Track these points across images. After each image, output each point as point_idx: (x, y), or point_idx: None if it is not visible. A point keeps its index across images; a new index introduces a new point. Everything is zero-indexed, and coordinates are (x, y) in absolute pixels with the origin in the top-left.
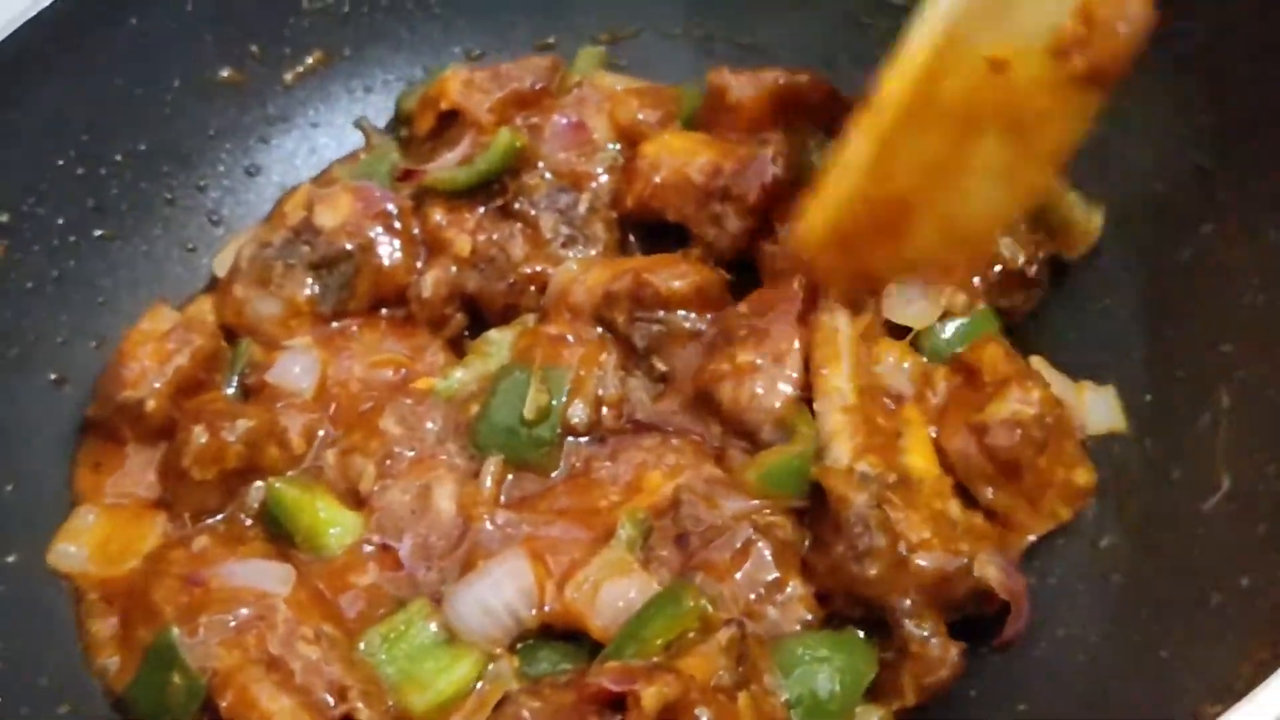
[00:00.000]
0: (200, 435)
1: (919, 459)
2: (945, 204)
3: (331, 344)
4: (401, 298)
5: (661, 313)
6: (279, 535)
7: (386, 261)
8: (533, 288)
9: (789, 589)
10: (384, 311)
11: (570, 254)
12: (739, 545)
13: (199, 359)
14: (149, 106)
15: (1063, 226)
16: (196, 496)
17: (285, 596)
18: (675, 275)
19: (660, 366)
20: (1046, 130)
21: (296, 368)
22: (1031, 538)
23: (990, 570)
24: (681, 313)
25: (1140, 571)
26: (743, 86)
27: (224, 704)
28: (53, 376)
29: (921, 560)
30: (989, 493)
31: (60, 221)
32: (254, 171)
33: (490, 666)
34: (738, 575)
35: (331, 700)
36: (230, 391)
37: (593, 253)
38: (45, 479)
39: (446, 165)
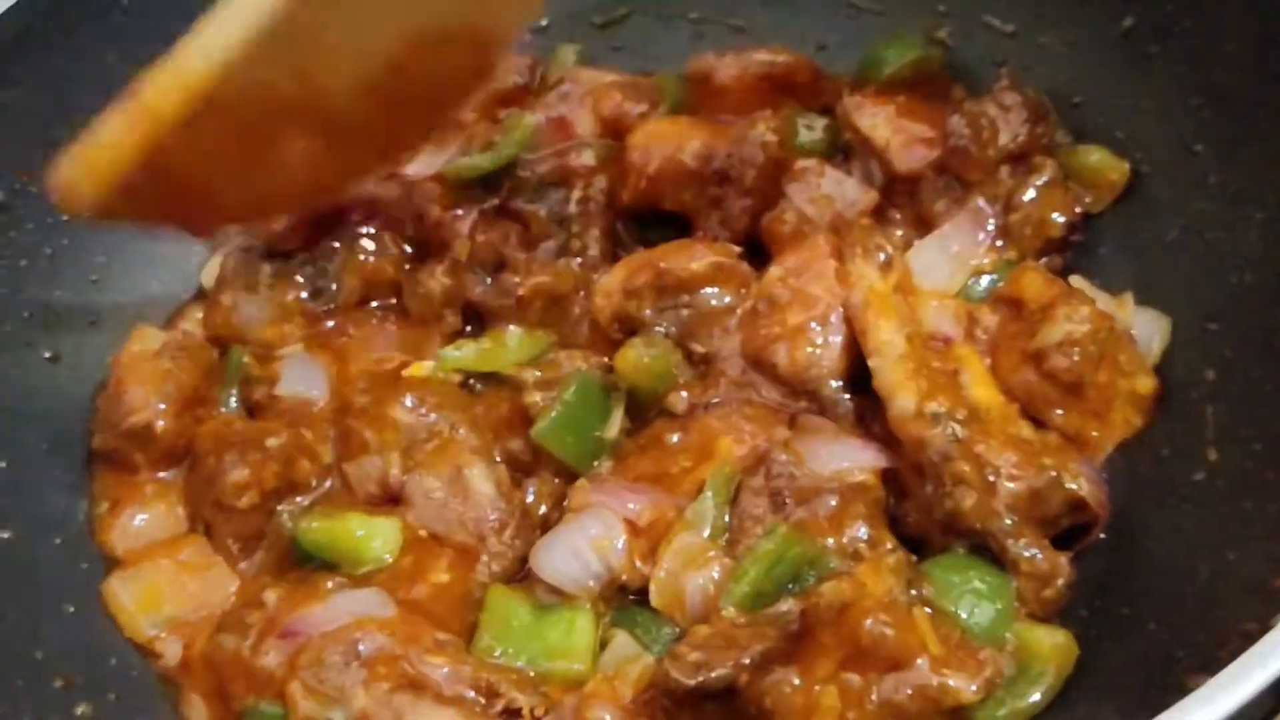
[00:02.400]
0: (234, 465)
1: (982, 391)
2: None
3: (329, 347)
4: (391, 291)
5: (686, 296)
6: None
7: (374, 258)
8: (539, 303)
9: (887, 546)
10: (374, 304)
11: (572, 261)
12: (834, 504)
13: (199, 372)
14: None
15: (1093, 179)
16: (239, 524)
17: (389, 617)
18: (692, 257)
19: (699, 349)
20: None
21: (304, 376)
22: (1109, 448)
23: (1082, 481)
24: (706, 291)
25: (1128, 543)
26: (727, 68)
27: None
28: (47, 354)
29: (1011, 482)
30: (1058, 415)
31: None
32: None
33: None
34: (843, 536)
35: (484, 700)
36: (233, 407)
37: (592, 252)
38: (38, 456)
39: (440, 163)
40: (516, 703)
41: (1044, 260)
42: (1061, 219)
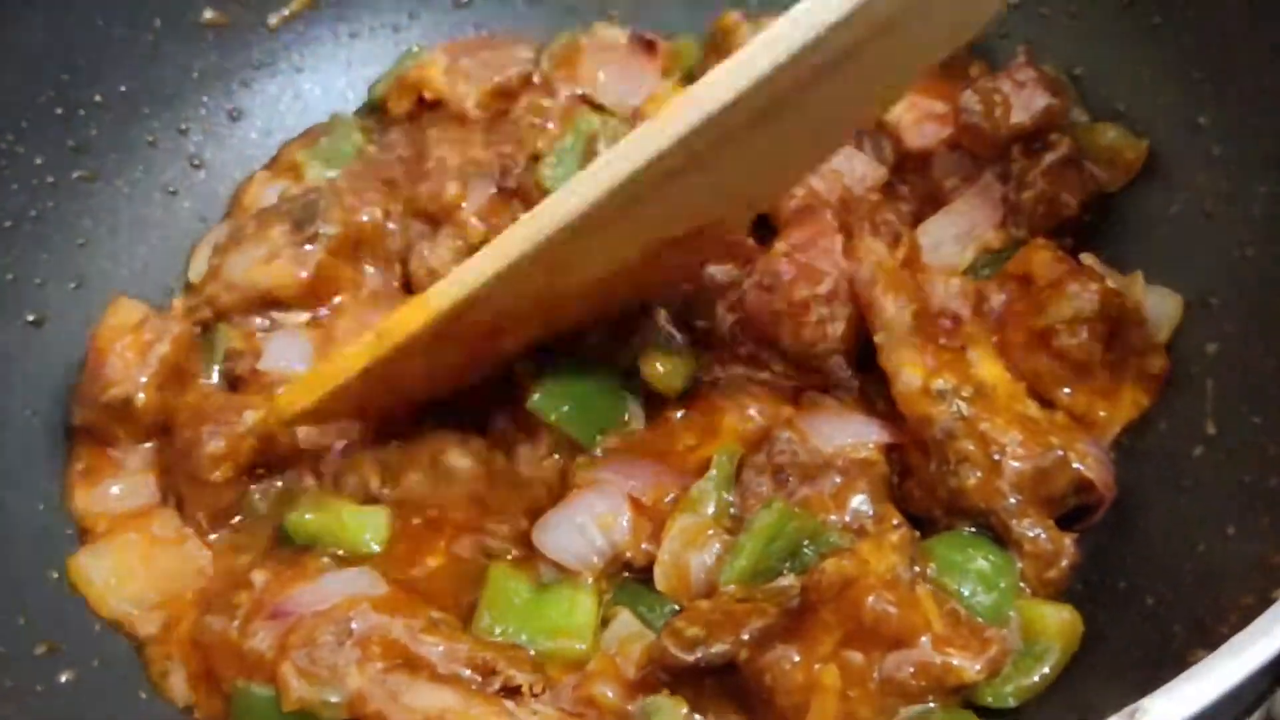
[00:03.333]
0: (211, 436)
1: (989, 369)
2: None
3: (318, 326)
4: (392, 260)
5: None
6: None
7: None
8: None
9: (892, 522)
10: (368, 270)
11: None
12: (839, 481)
13: (180, 345)
14: (130, 47)
15: (1109, 158)
16: (211, 498)
17: (382, 595)
18: None
19: (701, 323)
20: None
21: (288, 351)
22: (1117, 429)
23: (1089, 461)
24: (710, 268)
25: (1127, 519)
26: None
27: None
28: (31, 318)
29: (1016, 461)
30: (1065, 395)
31: (39, 161)
32: (237, 116)
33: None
34: (845, 512)
35: (480, 678)
36: (214, 381)
37: None
38: (20, 420)
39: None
40: (514, 680)
41: (1055, 241)
42: (1074, 198)
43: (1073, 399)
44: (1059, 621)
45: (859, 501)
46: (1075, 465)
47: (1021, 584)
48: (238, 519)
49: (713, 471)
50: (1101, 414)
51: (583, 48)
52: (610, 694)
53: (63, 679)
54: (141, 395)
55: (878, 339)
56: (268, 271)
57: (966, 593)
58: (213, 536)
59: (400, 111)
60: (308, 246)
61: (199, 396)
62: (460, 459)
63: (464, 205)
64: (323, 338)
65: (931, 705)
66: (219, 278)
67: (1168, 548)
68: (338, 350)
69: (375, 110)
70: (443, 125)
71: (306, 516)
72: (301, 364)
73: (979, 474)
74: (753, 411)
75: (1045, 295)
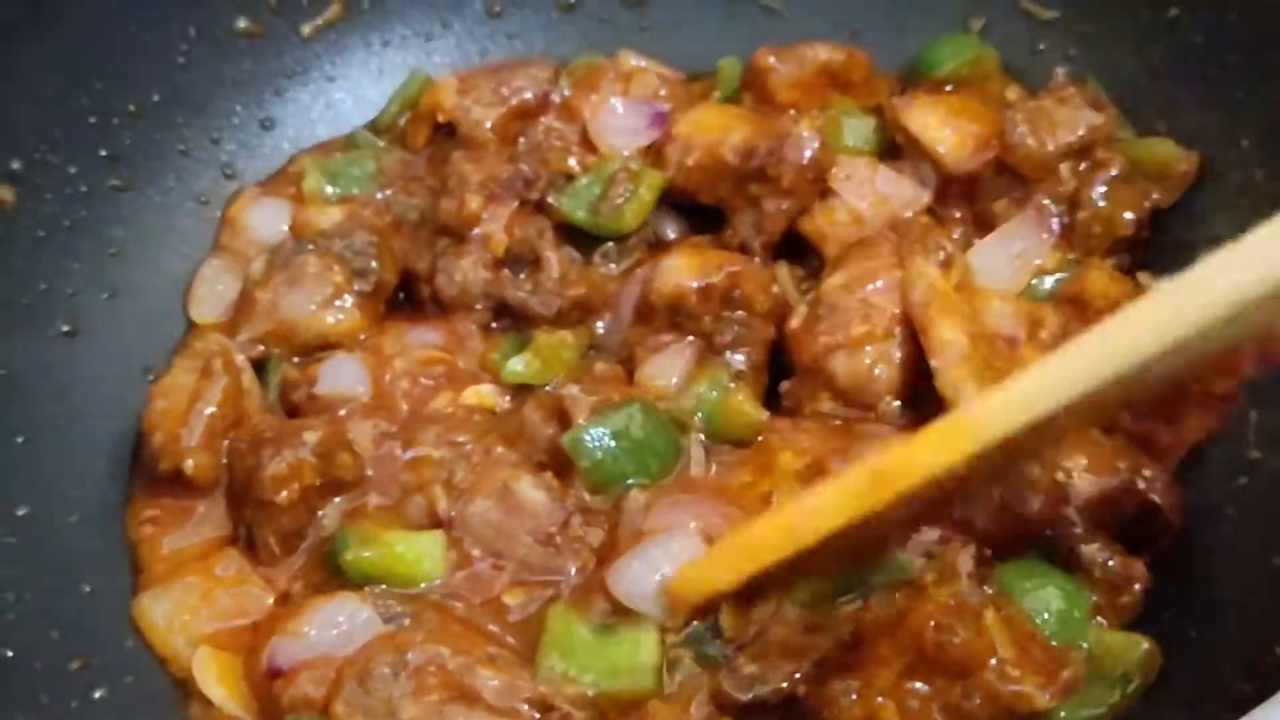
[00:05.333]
0: (273, 458)
1: None
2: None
3: (366, 345)
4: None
5: (742, 313)
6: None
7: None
8: (575, 312)
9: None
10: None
11: (610, 266)
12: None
13: (229, 400)
14: (163, 56)
15: (1161, 173)
16: (280, 522)
17: (435, 628)
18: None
19: (738, 361)
20: None
21: (345, 373)
22: (1181, 453)
23: (1157, 485)
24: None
25: (1174, 549)
26: (787, 66)
27: None
28: (65, 328)
29: (1083, 485)
30: (1126, 418)
31: (72, 170)
32: (269, 125)
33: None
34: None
35: (538, 714)
36: (268, 408)
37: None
38: (55, 432)
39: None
40: (572, 718)
41: (1112, 260)
42: (1131, 216)
43: (1134, 423)
44: (1137, 653)
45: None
46: (1142, 489)
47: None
48: (306, 544)
49: None
50: (1161, 438)
51: (602, 72)
52: None
53: (96, 695)
54: (190, 462)
55: (934, 363)
56: (334, 320)
57: (1038, 620)
58: (285, 564)
59: (419, 144)
60: (359, 286)
61: (255, 424)
62: (532, 491)
63: (485, 217)
64: (374, 361)
65: None
66: (273, 316)
67: (1212, 578)
68: (777, 503)
69: (387, 130)
70: (463, 147)
71: (363, 555)
72: (359, 386)
73: (1045, 498)
74: (806, 448)
75: (1103, 318)
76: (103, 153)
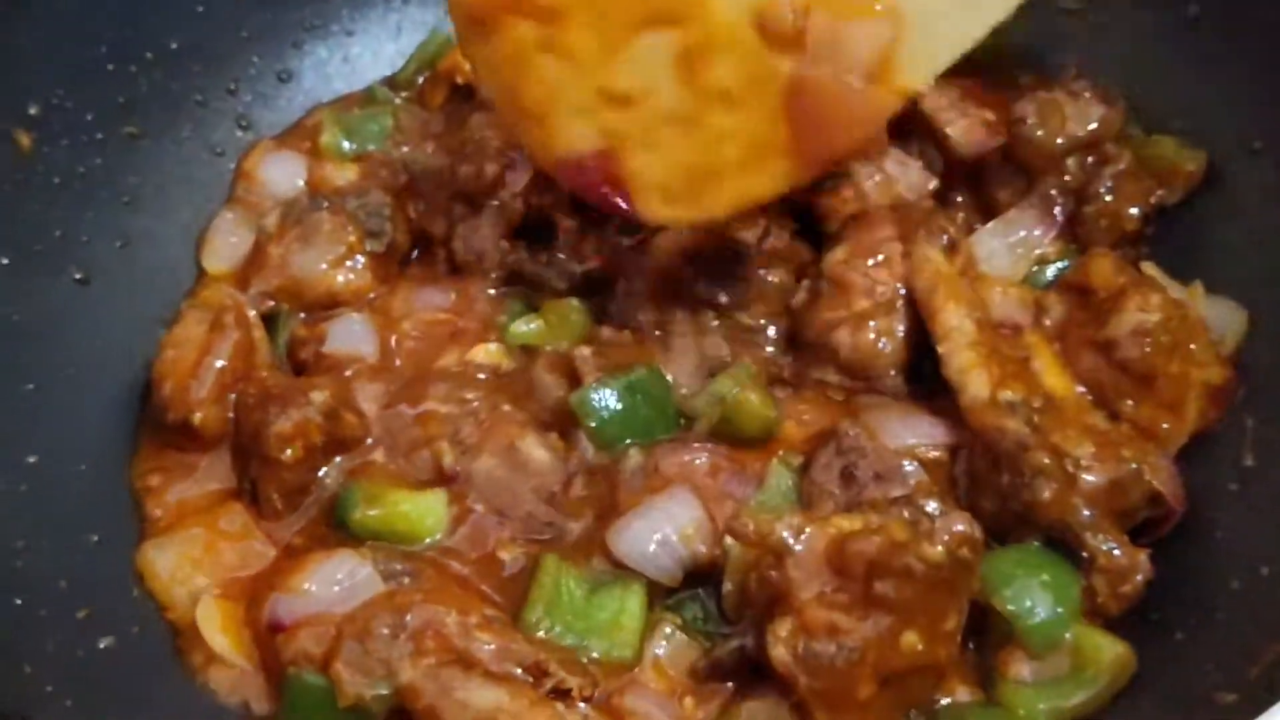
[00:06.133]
0: (279, 416)
1: (1055, 379)
2: None
3: (375, 305)
4: (426, 242)
5: (742, 269)
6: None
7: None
8: (589, 283)
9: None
10: (415, 253)
11: (624, 239)
12: (913, 484)
13: (239, 354)
14: (182, 4)
15: (1168, 171)
16: (283, 478)
17: (433, 588)
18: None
19: (747, 320)
20: None
21: (353, 333)
22: (1182, 441)
23: (1161, 474)
24: (761, 270)
25: (1164, 549)
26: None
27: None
28: (77, 275)
29: (1091, 474)
30: (1129, 406)
31: (89, 117)
32: (285, 78)
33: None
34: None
35: (531, 679)
36: (276, 365)
37: None
38: (65, 380)
39: None
40: (566, 683)
41: (1117, 253)
42: (1136, 211)
43: (1137, 411)
44: (1113, 654)
45: (927, 501)
46: (1147, 477)
47: (1091, 600)
48: (309, 500)
49: (773, 481)
50: (1165, 426)
51: None
52: (643, 705)
53: (102, 644)
54: (199, 415)
55: (941, 349)
56: (344, 279)
57: (1023, 610)
58: (289, 519)
59: (436, 103)
60: (371, 246)
61: (264, 380)
62: (536, 449)
63: (504, 187)
64: (382, 321)
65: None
66: (284, 272)
67: (1201, 583)
68: None
69: (405, 88)
70: (481, 110)
71: (370, 513)
72: (366, 346)
73: (1054, 487)
74: (807, 419)
75: (1106, 306)
76: (119, 100)
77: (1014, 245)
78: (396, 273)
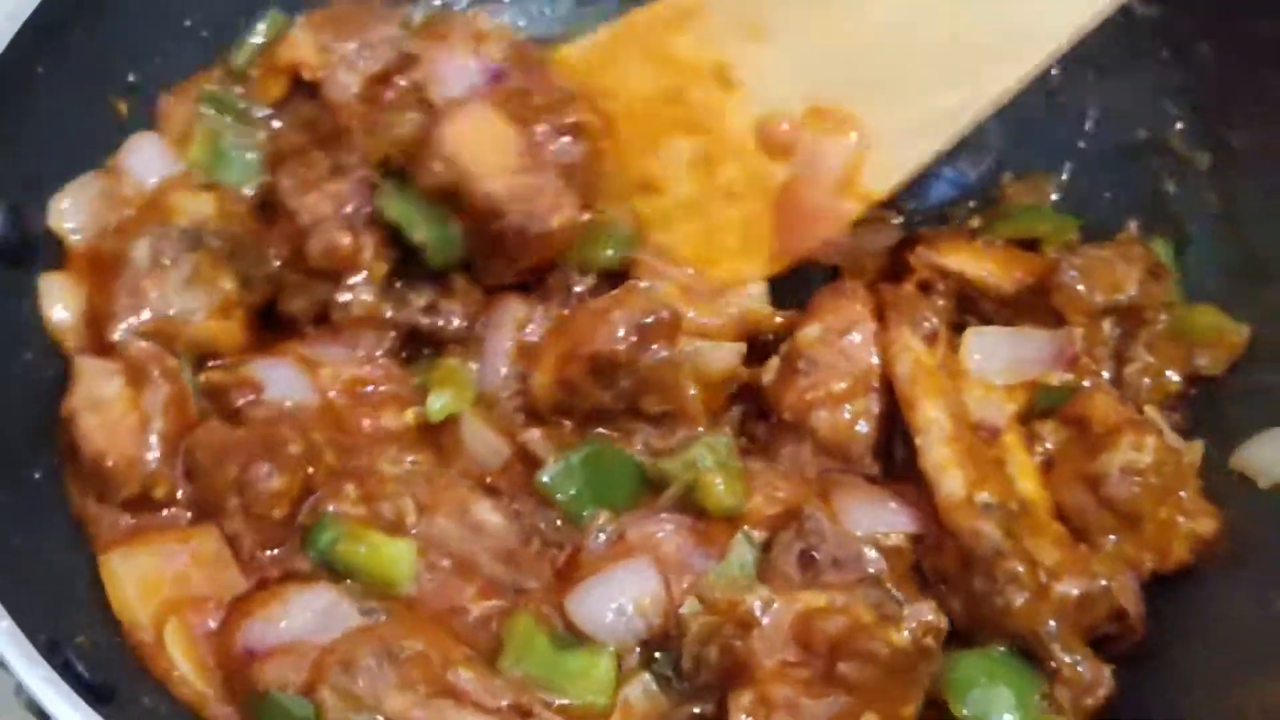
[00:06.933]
0: (269, 476)
1: (1029, 485)
2: None
3: (285, 352)
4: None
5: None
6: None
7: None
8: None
9: (913, 611)
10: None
11: None
12: (871, 571)
13: (172, 408)
14: None
15: (1207, 339)
16: (269, 532)
17: (413, 626)
18: (612, 329)
19: (655, 408)
20: None
21: (290, 382)
22: (1151, 570)
23: (1128, 594)
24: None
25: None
26: None
27: None
28: None
29: (1063, 586)
30: (1109, 541)
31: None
32: None
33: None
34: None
35: (517, 718)
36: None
37: None
38: None
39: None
40: None
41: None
42: (1177, 376)
43: (1117, 548)
44: None
45: (882, 589)
46: (1115, 594)
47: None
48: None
49: (732, 559)
50: (1145, 561)
51: (452, 26)
52: None
53: None
54: (160, 488)
55: (918, 441)
56: (223, 329)
57: (984, 718)
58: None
59: (273, 97)
60: (246, 298)
61: (212, 433)
62: (490, 514)
63: (365, 253)
64: (306, 368)
65: None
66: (160, 312)
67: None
68: None
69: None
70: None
71: (351, 549)
72: (309, 393)
73: (1026, 596)
74: (781, 494)
75: (1100, 441)
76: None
77: (1018, 358)
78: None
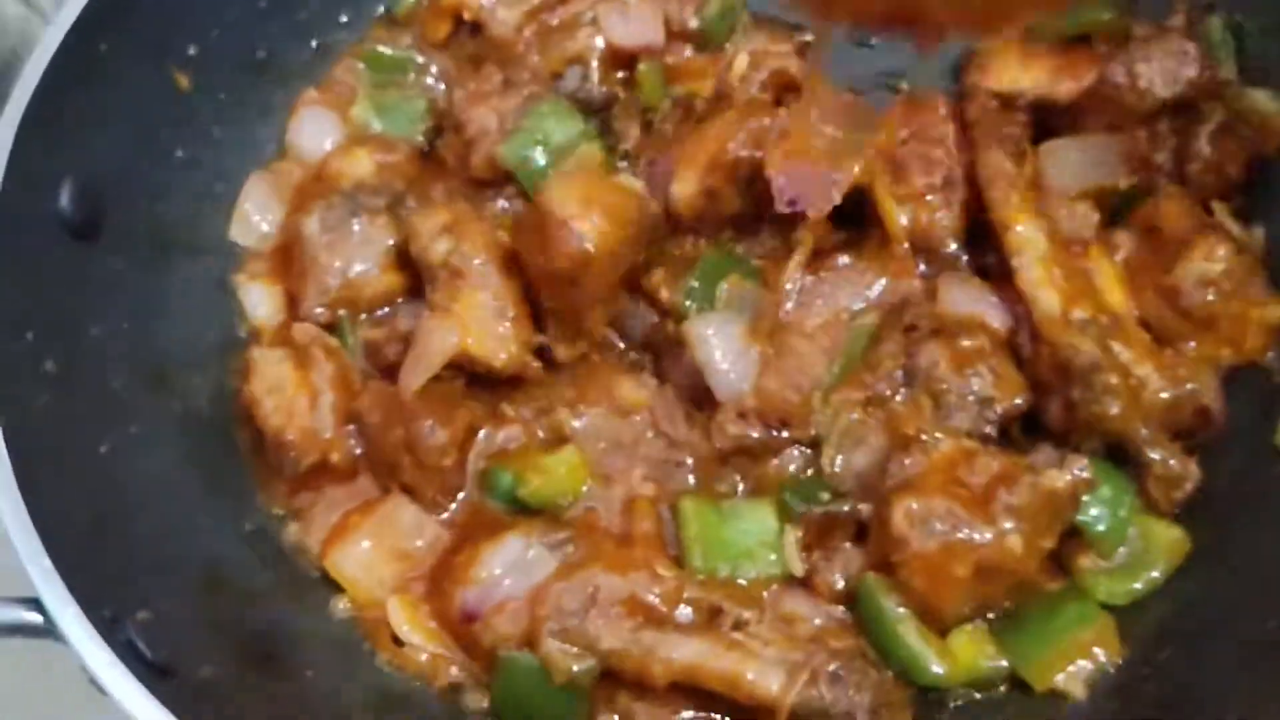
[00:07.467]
0: (432, 432)
1: (1116, 296)
2: None
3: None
4: None
5: None
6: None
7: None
8: None
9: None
10: None
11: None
12: (966, 344)
13: (338, 382)
14: None
15: (1261, 125)
16: (442, 480)
17: (601, 554)
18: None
19: None
20: None
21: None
22: (1230, 364)
23: (1212, 394)
24: None
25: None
26: None
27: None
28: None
29: (1154, 393)
30: (1190, 346)
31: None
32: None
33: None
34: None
35: (724, 627)
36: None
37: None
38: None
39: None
40: (741, 617)
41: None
42: (1237, 166)
43: (1197, 350)
44: (1169, 539)
45: (982, 370)
46: (1203, 399)
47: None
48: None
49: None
50: (1225, 354)
51: None
52: (805, 606)
53: None
54: (335, 454)
55: (1014, 262)
56: (396, 282)
57: (1090, 519)
58: (446, 514)
59: (439, 37)
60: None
61: (380, 397)
62: (635, 391)
63: None
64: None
65: None
66: (341, 279)
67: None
68: None
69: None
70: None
71: (533, 487)
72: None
73: (1121, 403)
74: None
75: (1172, 250)
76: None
77: (1087, 165)
78: None
